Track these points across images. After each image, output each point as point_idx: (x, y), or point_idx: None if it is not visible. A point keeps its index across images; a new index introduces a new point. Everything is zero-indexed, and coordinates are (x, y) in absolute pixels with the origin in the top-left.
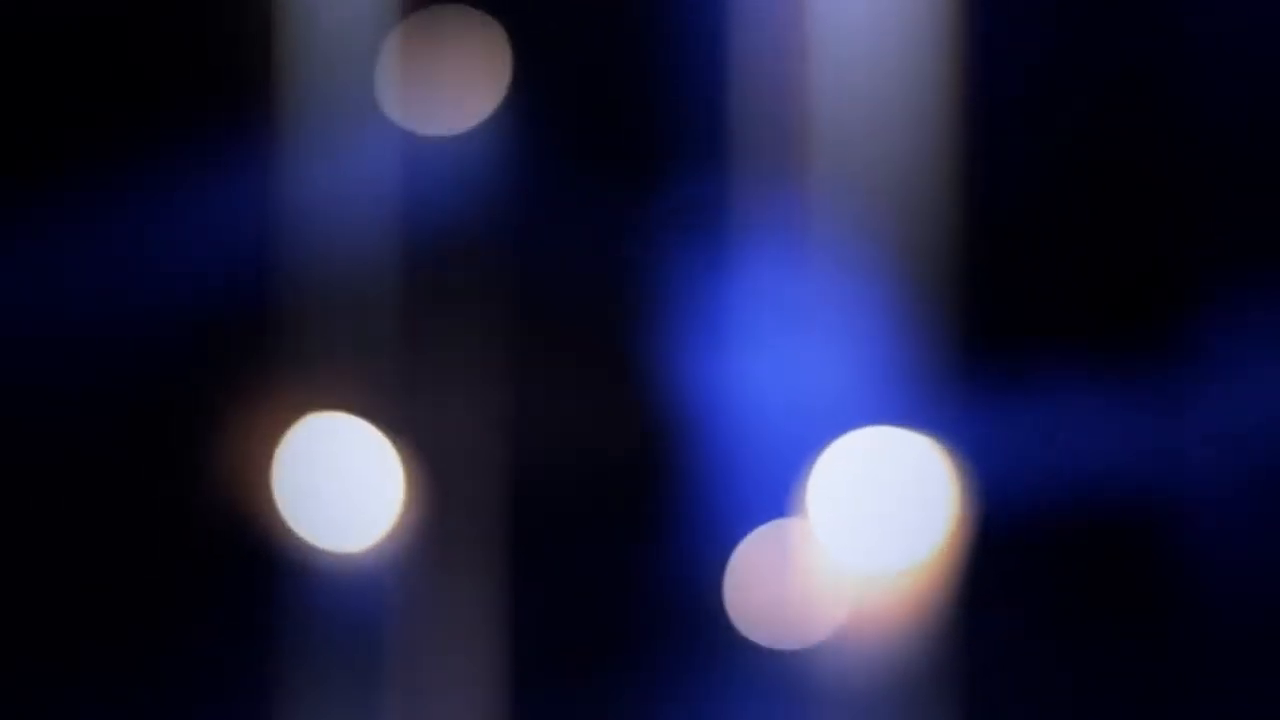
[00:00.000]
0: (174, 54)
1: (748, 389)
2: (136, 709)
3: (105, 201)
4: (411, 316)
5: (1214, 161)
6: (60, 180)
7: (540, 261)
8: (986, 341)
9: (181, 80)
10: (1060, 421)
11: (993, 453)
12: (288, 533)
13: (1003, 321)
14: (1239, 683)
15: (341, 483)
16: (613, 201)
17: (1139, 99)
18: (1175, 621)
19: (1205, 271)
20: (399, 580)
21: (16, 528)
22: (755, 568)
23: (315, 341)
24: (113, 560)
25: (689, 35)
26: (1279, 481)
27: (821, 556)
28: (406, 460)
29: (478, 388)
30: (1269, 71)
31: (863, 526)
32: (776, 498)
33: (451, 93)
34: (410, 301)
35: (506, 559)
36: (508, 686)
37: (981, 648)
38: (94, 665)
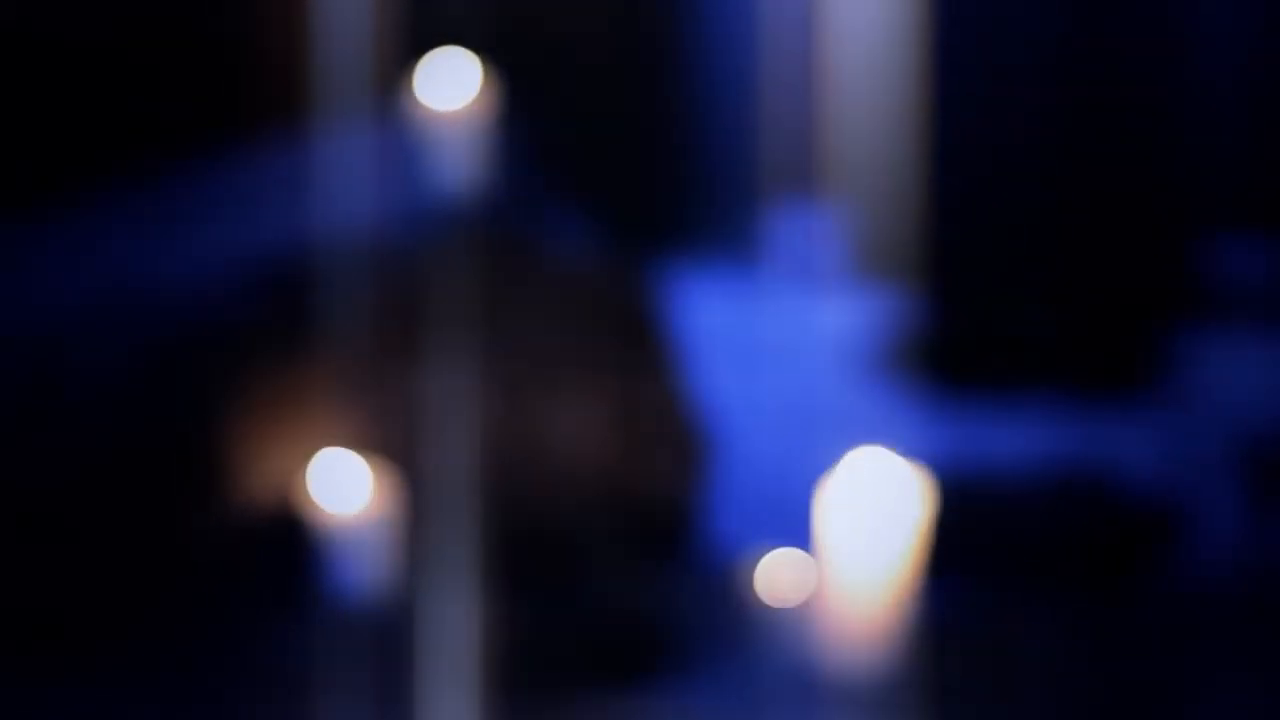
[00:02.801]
0: (188, 64)
1: (754, 407)
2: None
3: (125, 210)
4: (422, 323)
5: (1192, 191)
6: (56, 201)
7: (549, 274)
8: (967, 358)
9: (196, 96)
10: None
11: (961, 463)
12: (314, 505)
13: (980, 338)
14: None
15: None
16: (620, 214)
17: (1133, 121)
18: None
19: (1177, 295)
20: (405, 586)
21: (61, 512)
22: (777, 577)
23: (334, 343)
24: (159, 536)
25: (689, 45)
26: (1235, 486)
27: (832, 564)
28: (399, 457)
29: (481, 396)
30: (1254, 75)
31: (862, 535)
32: (785, 513)
33: (466, 106)
34: (422, 309)
35: (510, 573)
36: (509, 696)
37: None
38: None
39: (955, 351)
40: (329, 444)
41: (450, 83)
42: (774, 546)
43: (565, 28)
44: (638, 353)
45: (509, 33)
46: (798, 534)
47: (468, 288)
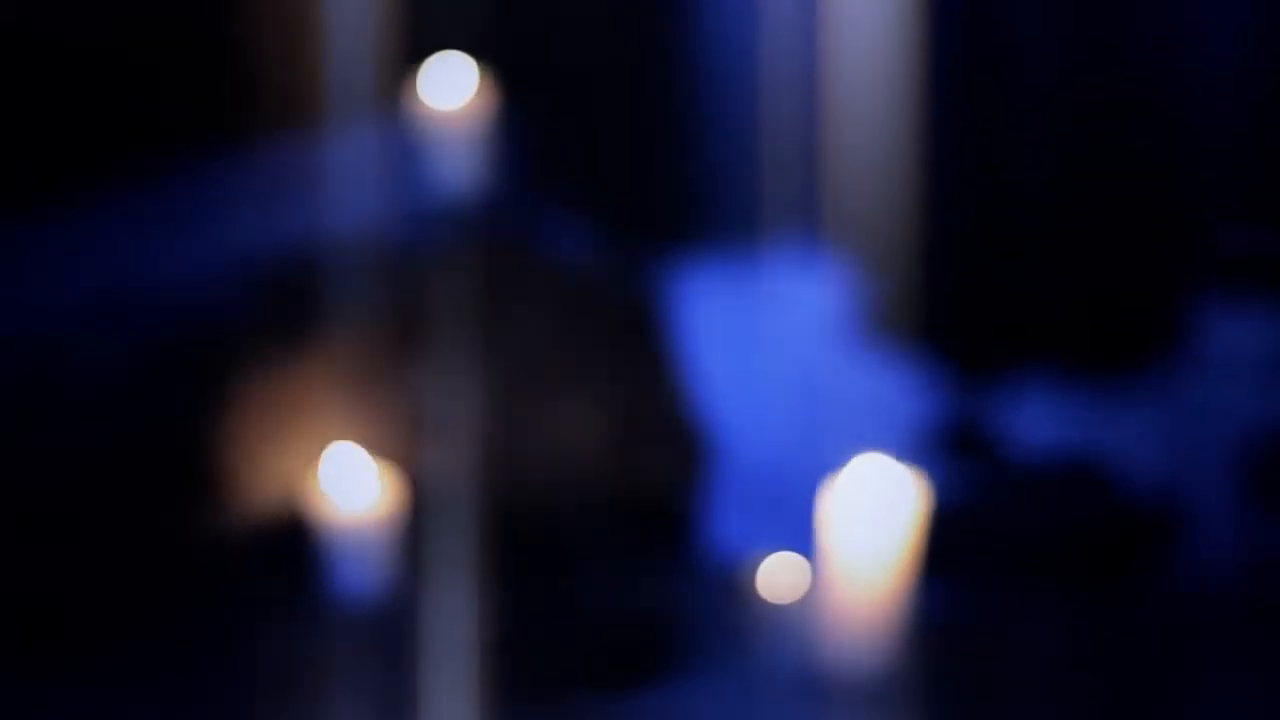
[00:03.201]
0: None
1: (758, 414)
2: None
3: (130, 210)
4: (425, 325)
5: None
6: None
7: (549, 275)
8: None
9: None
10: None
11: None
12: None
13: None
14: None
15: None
16: (620, 215)
17: (1134, 132)
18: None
19: (1174, 297)
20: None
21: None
22: (777, 577)
23: (335, 343)
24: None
25: (689, 48)
26: (1228, 490)
27: (833, 565)
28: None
29: (480, 397)
30: (1253, 80)
31: (862, 536)
32: (785, 514)
33: (466, 108)
34: (425, 311)
35: (510, 573)
36: (508, 699)
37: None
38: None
39: (957, 337)
40: (330, 444)
41: (451, 85)
42: (774, 547)
43: (566, 31)
44: (637, 353)
45: (509, 35)
46: (798, 535)
47: (468, 288)
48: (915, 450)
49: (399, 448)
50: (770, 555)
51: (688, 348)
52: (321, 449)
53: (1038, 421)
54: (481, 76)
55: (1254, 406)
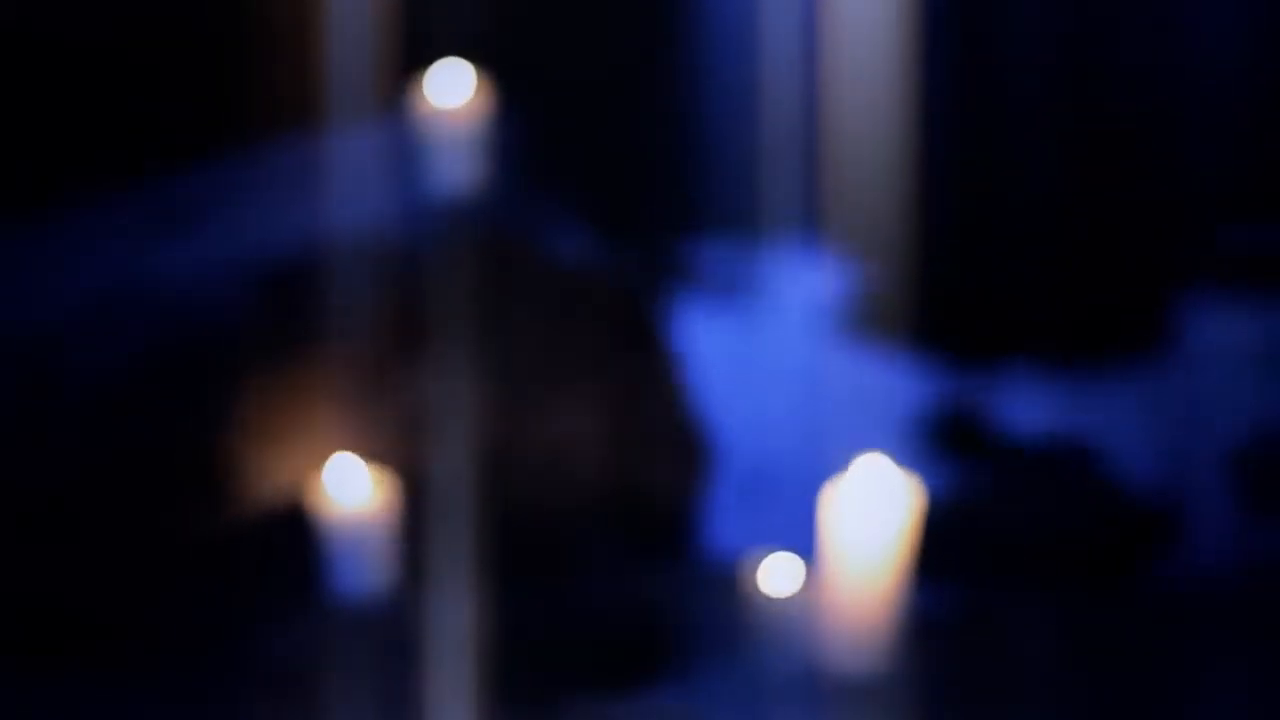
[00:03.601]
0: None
1: (757, 417)
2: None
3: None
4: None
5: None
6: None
7: (549, 275)
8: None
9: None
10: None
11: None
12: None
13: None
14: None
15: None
16: (620, 216)
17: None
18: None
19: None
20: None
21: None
22: (776, 577)
23: (334, 342)
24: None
25: (690, 50)
26: (1222, 490)
27: (831, 564)
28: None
29: (479, 399)
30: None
31: (860, 536)
32: (783, 514)
33: (466, 108)
34: (428, 312)
35: (510, 574)
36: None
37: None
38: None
39: (954, 336)
40: (329, 444)
41: (450, 84)
42: (773, 547)
43: (565, 30)
44: (637, 353)
45: (509, 35)
46: (797, 534)
47: (468, 287)
48: (913, 449)
49: (398, 447)
50: (769, 555)
51: (687, 347)
52: (321, 448)
53: (1035, 421)
54: (481, 76)
55: (1250, 405)
